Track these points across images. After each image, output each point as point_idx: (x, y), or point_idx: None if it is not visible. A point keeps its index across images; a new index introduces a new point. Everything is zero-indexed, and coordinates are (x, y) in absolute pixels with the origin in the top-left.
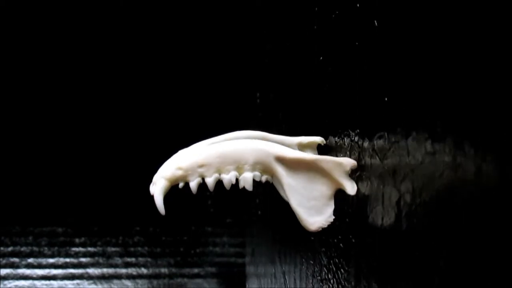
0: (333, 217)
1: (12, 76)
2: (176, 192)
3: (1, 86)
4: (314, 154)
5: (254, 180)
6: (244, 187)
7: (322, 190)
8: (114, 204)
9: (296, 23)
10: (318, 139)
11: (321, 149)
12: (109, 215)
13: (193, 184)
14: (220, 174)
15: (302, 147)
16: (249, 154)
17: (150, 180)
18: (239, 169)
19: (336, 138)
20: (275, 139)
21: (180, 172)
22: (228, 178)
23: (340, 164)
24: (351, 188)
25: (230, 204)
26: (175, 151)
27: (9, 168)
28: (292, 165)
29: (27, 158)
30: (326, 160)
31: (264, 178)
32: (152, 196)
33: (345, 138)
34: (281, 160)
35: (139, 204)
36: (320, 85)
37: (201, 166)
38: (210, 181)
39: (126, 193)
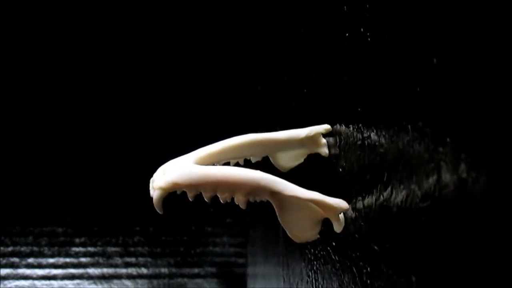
0: (318, 236)
1: (12, 77)
2: (176, 193)
3: (1, 87)
4: (321, 142)
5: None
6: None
7: (311, 217)
8: (114, 204)
9: (295, 23)
10: (323, 130)
11: (325, 136)
12: (109, 215)
13: (191, 196)
14: (216, 193)
15: (308, 139)
16: (244, 186)
17: (150, 181)
18: (235, 193)
19: (341, 127)
20: (280, 137)
21: (177, 187)
22: (224, 197)
23: (332, 208)
24: (338, 227)
25: (230, 204)
26: (175, 151)
27: (9, 168)
28: (286, 198)
29: (27, 158)
30: (320, 201)
31: (258, 200)
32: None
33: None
34: (276, 195)
35: (139, 204)
36: (322, 81)
37: (198, 186)
38: (206, 196)
39: (126, 193)
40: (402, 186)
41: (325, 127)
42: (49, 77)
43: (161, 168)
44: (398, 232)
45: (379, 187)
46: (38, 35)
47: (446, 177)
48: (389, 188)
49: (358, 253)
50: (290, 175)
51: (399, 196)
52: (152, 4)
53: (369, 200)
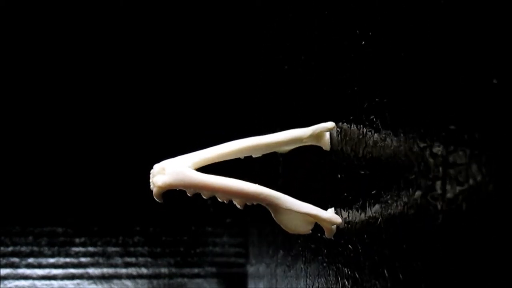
0: (311, 231)
1: (12, 76)
2: (176, 192)
3: (1, 86)
4: (324, 138)
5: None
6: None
7: (305, 219)
8: (114, 204)
9: (295, 22)
10: (326, 129)
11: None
12: (109, 215)
13: (190, 194)
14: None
15: (315, 137)
16: (241, 196)
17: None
18: (232, 199)
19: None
20: (283, 139)
21: (174, 188)
22: (221, 199)
23: (326, 221)
24: (329, 234)
25: (230, 204)
26: (175, 151)
27: (9, 168)
28: (283, 209)
29: (27, 158)
30: (315, 215)
31: (255, 203)
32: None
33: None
34: (273, 206)
35: (139, 204)
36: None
37: (195, 188)
38: (205, 197)
39: (126, 193)
40: (403, 190)
41: (329, 126)
42: (49, 77)
43: (162, 163)
44: (397, 237)
45: (378, 187)
46: (38, 35)
47: (453, 186)
48: (388, 190)
49: (358, 257)
50: (289, 161)
51: (398, 199)
52: (151, 4)
53: (365, 199)
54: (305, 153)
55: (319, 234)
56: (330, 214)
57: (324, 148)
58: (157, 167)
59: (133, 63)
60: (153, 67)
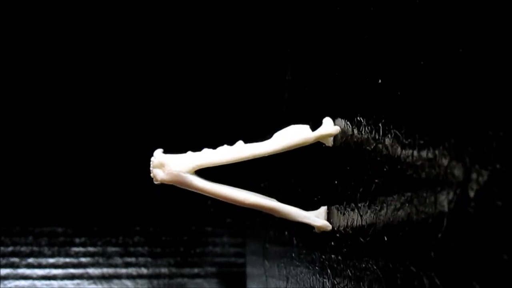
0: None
1: (12, 76)
2: (176, 192)
3: (0, 86)
4: (328, 139)
5: None
6: None
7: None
8: (114, 204)
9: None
10: (330, 134)
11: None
12: (109, 215)
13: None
14: None
15: (320, 138)
16: (238, 205)
17: (150, 181)
18: None
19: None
20: (287, 144)
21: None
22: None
23: (319, 228)
24: (318, 231)
25: (230, 204)
26: (175, 152)
27: (9, 168)
28: None
29: (26, 158)
30: (308, 223)
31: None
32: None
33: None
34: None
35: (139, 204)
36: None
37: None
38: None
39: (126, 193)
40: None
41: (333, 132)
42: (49, 77)
43: (162, 158)
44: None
45: (377, 191)
46: (38, 34)
47: (460, 197)
48: (387, 196)
49: (365, 260)
50: (288, 155)
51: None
52: (150, 5)
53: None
54: (304, 148)
55: (315, 235)
56: (321, 222)
57: (327, 144)
58: (156, 159)
59: (133, 63)
60: (153, 65)
